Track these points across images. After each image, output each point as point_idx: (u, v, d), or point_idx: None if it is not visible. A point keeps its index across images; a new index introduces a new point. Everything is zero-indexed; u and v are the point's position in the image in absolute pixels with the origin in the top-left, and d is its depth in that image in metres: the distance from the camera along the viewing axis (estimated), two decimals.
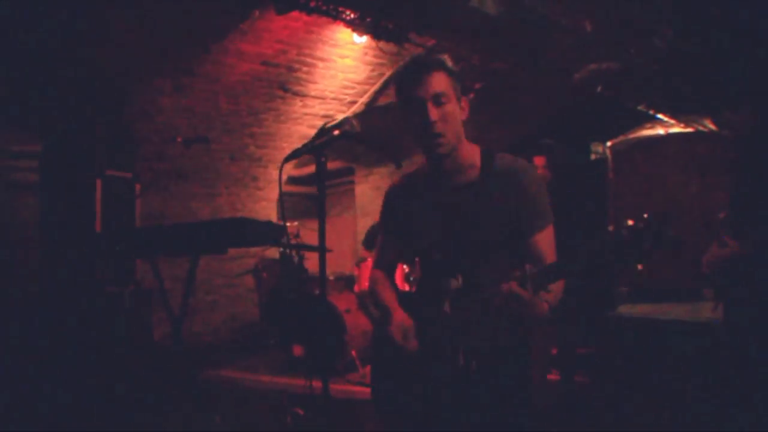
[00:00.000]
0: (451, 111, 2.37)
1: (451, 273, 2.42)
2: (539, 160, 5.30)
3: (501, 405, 2.42)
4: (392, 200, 2.68)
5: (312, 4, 4.96)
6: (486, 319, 2.26)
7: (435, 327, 2.41)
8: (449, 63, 2.45)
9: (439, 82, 2.37)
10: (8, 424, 4.51)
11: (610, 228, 1.94)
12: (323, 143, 2.35)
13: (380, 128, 6.79)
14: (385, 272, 2.77)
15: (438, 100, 2.36)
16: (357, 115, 2.13)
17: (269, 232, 4.60)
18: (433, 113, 2.36)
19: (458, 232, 2.45)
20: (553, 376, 5.47)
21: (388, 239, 2.74)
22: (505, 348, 2.42)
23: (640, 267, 5.06)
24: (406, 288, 5.73)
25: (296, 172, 8.01)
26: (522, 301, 2.10)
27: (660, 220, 1.91)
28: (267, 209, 8.02)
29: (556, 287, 2.29)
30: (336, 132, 2.36)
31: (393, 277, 2.79)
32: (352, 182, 10.40)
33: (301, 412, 4.92)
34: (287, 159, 2.45)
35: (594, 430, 4.94)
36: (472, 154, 2.50)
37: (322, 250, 2.29)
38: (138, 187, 5.73)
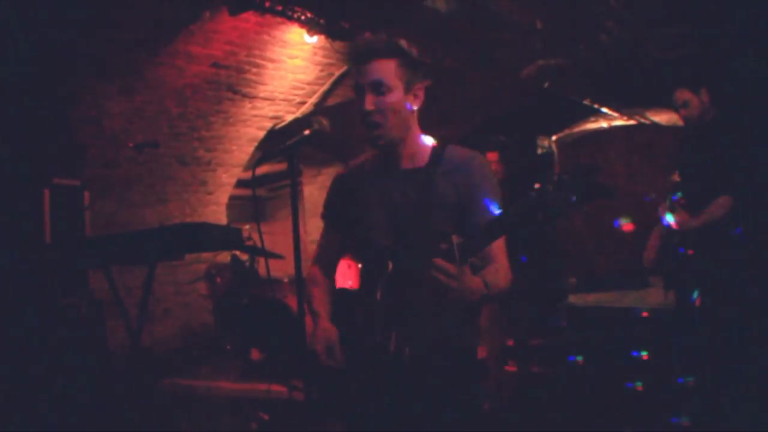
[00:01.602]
0: (392, 101, 2.29)
1: (387, 261, 2.35)
2: (492, 156, 5.37)
3: (440, 392, 2.33)
4: (337, 189, 2.60)
5: (267, 5, 4.92)
6: (417, 302, 2.18)
7: (367, 317, 2.34)
8: (403, 48, 2.35)
9: (380, 70, 2.29)
10: None
11: (536, 185, 1.83)
12: (295, 144, 2.29)
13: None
14: (323, 269, 2.66)
15: (377, 88, 2.28)
16: (313, 114, 2.08)
17: (225, 237, 4.56)
18: (369, 103, 2.29)
19: (400, 221, 2.36)
20: (510, 368, 5.54)
21: (330, 231, 2.65)
22: (443, 332, 2.33)
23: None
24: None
25: (245, 175, 7.93)
26: (449, 273, 1.97)
27: (585, 170, 1.84)
28: (217, 213, 7.92)
29: (497, 274, 2.23)
30: (306, 131, 2.30)
31: (332, 273, 2.70)
32: (300, 183, 10.33)
33: (265, 416, 4.88)
34: (258, 163, 2.44)
35: (552, 418, 5.02)
36: (421, 144, 2.43)
37: (297, 250, 2.26)
38: (87, 194, 5.61)
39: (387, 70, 2.29)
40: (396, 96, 2.29)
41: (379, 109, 2.28)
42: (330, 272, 2.69)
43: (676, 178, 4.38)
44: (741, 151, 4.13)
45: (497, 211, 2.15)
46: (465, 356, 2.41)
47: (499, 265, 2.27)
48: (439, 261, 1.99)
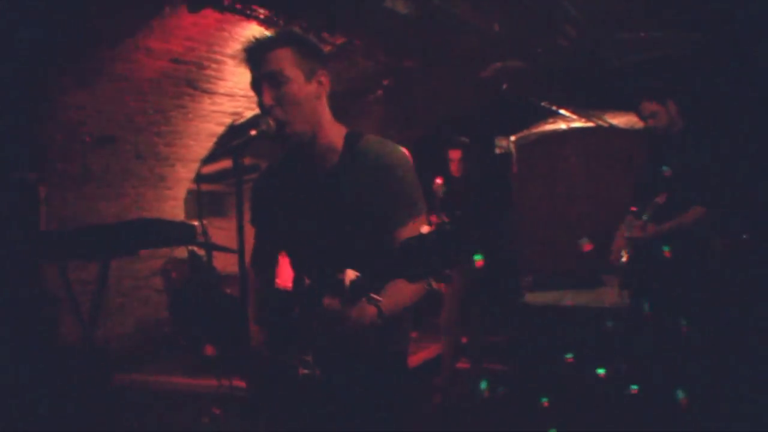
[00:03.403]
0: (293, 91, 2.13)
1: (306, 270, 2.24)
2: (455, 153, 5.42)
3: (355, 413, 2.25)
4: (257, 192, 2.47)
5: (225, 2, 4.92)
6: (324, 325, 2.02)
7: (285, 334, 2.23)
8: (297, 35, 2.23)
9: (275, 60, 2.13)
10: None
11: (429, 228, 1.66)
12: (241, 144, 2.12)
13: None
14: (258, 269, 2.56)
15: (274, 80, 2.13)
16: (261, 115, 2.06)
17: (180, 233, 4.57)
18: (267, 97, 2.14)
19: (316, 225, 2.26)
20: (463, 365, 5.62)
21: (258, 234, 2.53)
22: (359, 346, 2.20)
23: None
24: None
25: (204, 170, 7.90)
26: (333, 314, 1.91)
27: (462, 224, 1.72)
28: (175, 209, 7.88)
29: (396, 296, 2.04)
30: (253, 132, 2.13)
31: (268, 271, 2.60)
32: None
33: (217, 411, 4.89)
34: (206, 161, 2.36)
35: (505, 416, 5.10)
36: (335, 136, 2.26)
37: (241, 251, 2.24)
38: (43, 189, 5.57)
39: (282, 59, 2.13)
40: (296, 85, 2.14)
41: (280, 103, 2.13)
42: (265, 271, 2.59)
43: (660, 200, 4.37)
44: (711, 161, 4.21)
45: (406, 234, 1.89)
46: (384, 366, 2.30)
47: (401, 284, 1.94)
48: (326, 301, 1.92)
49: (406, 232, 2.00)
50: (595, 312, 8.03)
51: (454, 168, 5.45)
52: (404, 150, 2.29)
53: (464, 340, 5.81)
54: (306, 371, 2.11)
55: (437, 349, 6.57)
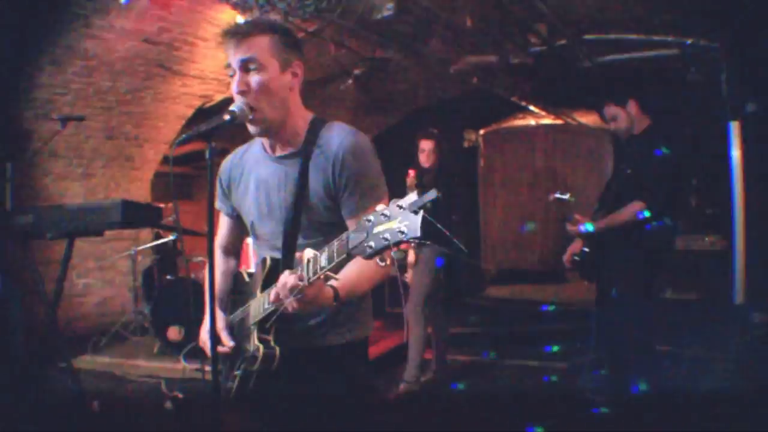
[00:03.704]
0: (265, 80, 2.13)
1: (269, 252, 2.27)
2: (427, 144, 5.44)
3: (312, 396, 2.26)
4: (223, 176, 2.48)
5: None
6: (280, 303, 2.00)
7: (244, 315, 2.28)
8: (276, 24, 2.22)
9: (252, 47, 2.12)
10: None
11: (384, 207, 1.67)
12: (213, 128, 2.10)
13: None
14: (223, 252, 2.59)
15: (248, 67, 2.12)
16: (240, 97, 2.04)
17: (146, 214, 4.55)
18: (240, 83, 2.13)
19: (278, 209, 2.27)
20: (426, 356, 5.65)
21: (225, 218, 2.55)
22: (318, 330, 2.25)
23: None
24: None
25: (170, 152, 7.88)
26: (288, 292, 1.90)
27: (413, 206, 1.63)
28: (141, 190, 7.86)
29: (353, 279, 2.06)
30: (225, 117, 2.10)
31: (234, 253, 2.63)
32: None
33: (179, 396, 4.90)
34: (178, 143, 2.22)
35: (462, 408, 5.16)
36: (301, 123, 2.26)
37: (210, 234, 2.23)
38: (10, 166, 5.50)
39: (258, 46, 2.13)
40: (269, 74, 2.14)
41: (252, 90, 2.13)
42: (231, 253, 2.62)
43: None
44: (657, 161, 4.29)
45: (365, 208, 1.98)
46: (343, 352, 2.30)
47: (358, 267, 2.04)
48: (283, 278, 1.93)
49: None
50: (558, 306, 8.19)
51: (424, 158, 5.47)
52: (366, 136, 2.30)
53: (429, 330, 5.84)
54: (265, 350, 2.14)
55: (399, 339, 6.63)
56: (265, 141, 2.30)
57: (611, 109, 4.52)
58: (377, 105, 9.11)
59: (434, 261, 5.37)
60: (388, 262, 1.74)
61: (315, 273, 1.85)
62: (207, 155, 2.13)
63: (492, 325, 7.99)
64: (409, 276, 5.49)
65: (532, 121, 11.17)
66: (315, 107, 2.38)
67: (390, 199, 1.70)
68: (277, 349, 2.15)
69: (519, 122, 11.30)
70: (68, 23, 5.58)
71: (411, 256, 5.45)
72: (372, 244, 1.65)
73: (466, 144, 11.20)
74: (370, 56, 7.38)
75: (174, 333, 6.19)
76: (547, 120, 10.98)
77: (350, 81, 7.89)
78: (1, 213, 5.30)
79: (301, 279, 1.88)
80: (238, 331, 2.32)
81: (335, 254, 1.79)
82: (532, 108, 9.75)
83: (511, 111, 10.54)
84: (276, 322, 2.12)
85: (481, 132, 11.44)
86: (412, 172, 5.48)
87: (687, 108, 6.98)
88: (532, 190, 11.21)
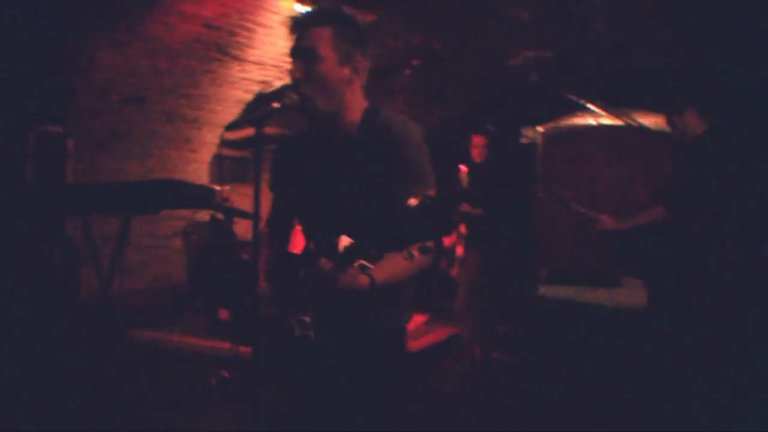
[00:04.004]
0: (321, 71, 2.16)
1: (314, 236, 2.30)
2: (480, 140, 5.40)
3: (343, 382, 2.28)
4: (277, 160, 2.53)
5: None
6: (316, 287, 2.05)
7: (289, 295, 2.27)
8: (342, 16, 2.22)
9: (312, 38, 2.16)
10: None
11: (411, 201, 1.71)
12: (263, 116, 2.15)
13: None
14: (272, 231, 2.60)
15: (306, 57, 2.16)
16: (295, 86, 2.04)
17: (201, 196, 4.65)
18: (297, 71, 2.18)
19: (328, 193, 2.29)
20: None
21: (275, 199, 2.58)
22: (357, 316, 2.24)
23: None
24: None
25: (230, 136, 7.96)
26: (323, 277, 1.95)
27: (444, 200, 1.72)
28: (199, 172, 7.98)
29: (390, 268, 2.06)
30: (276, 104, 2.16)
31: (284, 235, 2.62)
32: None
33: (226, 374, 4.98)
34: (229, 128, 2.33)
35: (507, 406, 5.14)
36: (357, 112, 2.28)
37: (255, 218, 2.28)
38: (71, 143, 5.67)
39: (319, 37, 2.16)
40: (327, 66, 2.16)
41: (309, 79, 2.17)
42: (280, 234, 2.62)
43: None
44: (704, 167, 4.24)
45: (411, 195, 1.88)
46: (379, 341, 2.31)
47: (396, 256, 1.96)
48: (319, 263, 1.96)
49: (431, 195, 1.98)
50: (609, 311, 8.06)
51: (476, 154, 5.43)
52: (417, 125, 2.31)
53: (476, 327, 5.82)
54: (301, 332, 2.16)
55: (445, 333, 6.64)
56: (320, 128, 2.33)
57: (674, 116, 4.46)
58: (434, 97, 9.10)
59: (485, 259, 5.34)
60: (417, 255, 1.77)
61: (349, 260, 1.88)
62: (257, 141, 2.17)
63: (541, 326, 7.92)
64: (455, 270, 5.49)
65: (591, 121, 11.00)
66: (373, 97, 2.40)
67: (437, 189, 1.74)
68: (312, 332, 2.16)
69: (578, 121, 11.13)
70: (130, 6, 5.71)
71: (459, 250, 5.45)
72: (401, 239, 1.71)
73: (523, 141, 11.09)
74: (429, 49, 7.38)
75: (225, 313, 6.31)
76: (607, 120, 10.80)
77: (408, 72, 7.91)
78: (62, 188, 5.50)
79: (335, 265, 1.91)
80: (283, 309, 2.33)
81: (370, 243, 1.83)
82: (591, 107, 9.61)
83: (570, 109, 10.38)
84: (314, 305, 2.14)
85: (540, 129, 11.31)
86: (463, 168, 5.46)
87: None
88: (591, 190, 11.06)
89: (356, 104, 2.28)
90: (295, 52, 2.21)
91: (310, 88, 2.17)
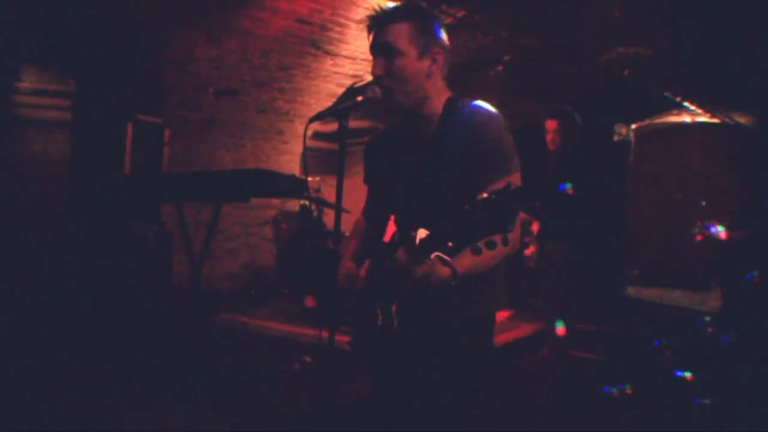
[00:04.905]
0: (401, 65, 2.20)
1: (400, 228, 2.26)
2: (551, 124, 5.16)
3: (426, 368, 2.28)
4: (368, 155, 2.57)
5: None
6: (395, 278, 2.03)
7: (376, 284, 2.28)
8: (417, 10, 2.26)
9: (391, 33, 2.20)
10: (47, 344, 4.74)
11: (484, 195, 1.69)
12: (346, 108, 2.20)
13: None
14: (368, 220, 2.64)
15: (387, 52, 2.20)
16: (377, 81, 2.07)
17: (291, 186, 4.76)
18: (377, 67, 2.22)
19: (415, 186, 2.31)
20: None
21: (370, 191, 2.64)
22: (443, 304, 2.22)
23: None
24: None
25: (321, 128, 8.11)
26: (400, 268, 1.94)
27: (506, 195, 1.66)
28: (290, 163, 8.16)
29: (476, 259, 1.97)
30: (359, 98, 2.21)
31: (380, 226, 2.66)
32: None
33: (308, 359, 5.09)
34: (312, 119, 2.33)
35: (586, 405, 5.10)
36: (438, 105, 2.30)
37: (338, 208, 2.34)
38: (167, 132, 5.90)
39: (398, 33, 2.19)
40: (406, 60, 2.20)
41: (389, 74, 2.21)
42: (376, 223, 2.65)
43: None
44: None
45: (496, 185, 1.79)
46: (466, 327, 2.30)
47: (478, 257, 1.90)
48: (396, 254, 1.95)
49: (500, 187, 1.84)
50: (694, 314, 7.86)
51: (550, 140, 5.16)
52: (499, 113, 2.30)
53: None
54: (384, 321, 2.18)
55: (528, 329, 6.62)
56: (405, 121, 2.38)
57: None
58: (526, 93, 9.03)
59: (569, 257, 5.19)
60: (485, 250, 1.80)
61: (425, 252, 1.89)
62: (340, 134, 2.23)
63: (627, 326, 7.79)
64: (532, 263, 5.40)
65: (687, 119, 10.68)
66: (465, 92, 2.42)
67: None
68: (396, 321, 2.17)
69: (673, 118, 10.82)
70: (225, 2, 5.89)
71: (530, 249, 5.35)
72: (468, 232, 1.73)
73: (616, 138, 10.86)
74: (519, 43, 7.34)
75: (311, 301, 6.45)
76: (703, 118, 10.47)
77: (500, 67, 7.88)
78: (158, 176, 5.73)
79: (410, 256, 1.92)
80: (367, 298, 2.36)
81: (447, 236, 1.82)
82: (686, 105, 9.33)
83: (665, 107, 10.10)
84: (397, 294, 2.16)
85: (633, 126, 11.07)
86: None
87: None
88: (684, 190, 10.78)
89: (438, 96, 2.30)
90: (375, 48, 2.25)
91: (390, 82, 2.21)
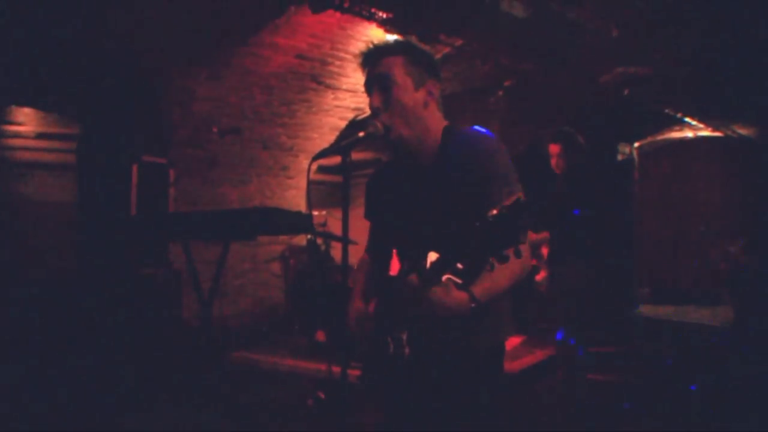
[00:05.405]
0: (398, 96, 2.22)
1: (407, 260, 2.21)
2: (554, 148, 5.14)
3: (439, 396, 2.28)
4: (369, 191, 2.58)
5: (346, 5, 5.08)
6: (406, 304, 2.06)
7: (386, 314, 2.26)
8: (410, 45, 2.30)
9: (387, 66, 2.24)
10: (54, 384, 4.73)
11: (494, 212, 1.72)
12: (348, 144, 2.22)
13: None
14: (372, 257, 2.63)
15: (383, 83, 2.23)
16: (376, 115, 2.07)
17: (297, 222, 4.77)
18: (376, 98, 2.25)
19: (419, 218, 2.30)
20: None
21: (372, 226, 2.63)
22: (451, 333, 2.21)
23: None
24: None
25: (325, 162, 8.07)
26: (411, 293, 1.97)
27: (517, 208, 1.69)
28: (296, 198, 8.18)
29: (493, 280, 2.06)
30: (361, 134, 2.22)
31: (384, 261, 2.49)
32: None
33: (322, 395, 5.07)
34: (315, 157, 2.34)
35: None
36: (437, 135, 2.31)
37: (345, 242, 2.35)
38: (172, 172, 5.93)
39: (393, 64, 2.23)
40: (403, 91, 2.23)
41: (387, 106, 2.23)
42: (380, 259, 2.52)
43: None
44: None
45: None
46: (478, 356, 2.29)
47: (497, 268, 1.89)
48: (408, 279, 1.97)
49: (510, 203, 1.85)
50: (707, 330, 7.81)
51: (554, 165, 5.16)
52: (494, 136, 2.31)
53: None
54: (396, 349, 2.17)
55: (542, 355, 6.58)
56: (404, 154, 2.36)
57: None
58: (528, 117, 9.07)
59: (581, 279, 5.15)
60: (497, 265, 1.80)
61: (436, 275, 1.91)
62: (343, 169, 2.27)
63: (640, 343, 7.75)
64: (543, 288, 5.36)
65: (689, 134, 10.72)
66: (466, 120, 2.43)
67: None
68: (407, 349, 2.15)
69: (675, 134, 10.86)
70: (226, 41, 5.94)
71: (540, 274, 5.31)
72: (479, 249, 1.74)
73: (620, 157, 10.88)
74: (518, 69, 7.38)
75: (322, 335, 6.43)
76: (705, 132, 10.50)
77: (500, 93, 7.93)
78: (164, 216, 5.75)
79: (422, 281, 1.93)
80: (380, 328, 2.33)
81: (456, 257, 1.84)
82: (688, 120, 9.37)
83: (666, 123, 10.15)
84: (409, 322, 2.15)
85: (636, 145, 11.10)
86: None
87: None
88: (691, 206, 10.78)
89: (435, 126, 2.32)
90: (371, 82, 2.28)
91: (389, 116, 2.23)
